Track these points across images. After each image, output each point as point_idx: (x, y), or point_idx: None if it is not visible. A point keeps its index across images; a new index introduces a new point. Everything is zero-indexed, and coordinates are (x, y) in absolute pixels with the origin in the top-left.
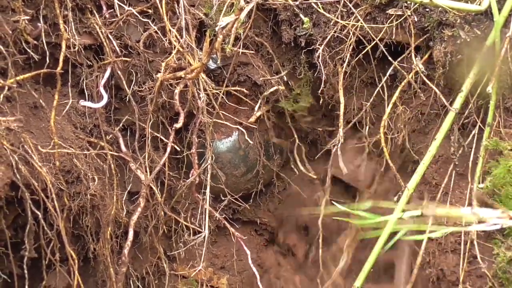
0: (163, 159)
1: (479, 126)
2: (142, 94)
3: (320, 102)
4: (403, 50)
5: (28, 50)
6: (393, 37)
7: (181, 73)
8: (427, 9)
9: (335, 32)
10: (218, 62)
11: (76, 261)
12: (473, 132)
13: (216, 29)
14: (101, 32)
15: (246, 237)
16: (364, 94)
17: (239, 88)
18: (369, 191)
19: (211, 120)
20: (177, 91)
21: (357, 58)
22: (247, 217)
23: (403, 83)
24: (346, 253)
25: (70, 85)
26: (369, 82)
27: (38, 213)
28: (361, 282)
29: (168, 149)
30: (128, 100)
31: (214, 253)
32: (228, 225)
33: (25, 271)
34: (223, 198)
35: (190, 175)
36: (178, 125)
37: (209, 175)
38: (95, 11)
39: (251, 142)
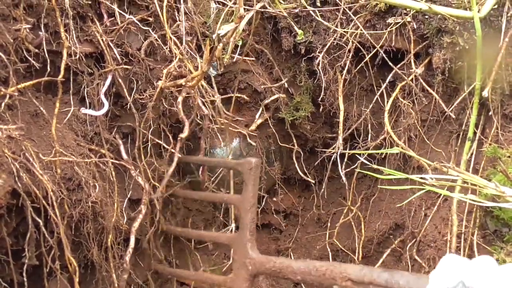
0: (171, 169)
1: (479, 133)
2: (143, 101)
3: (321, 109)
4: (403, 57)
5: (29, 59)
6: (393, 44)
7: (181, 81)
8: (426, 16)
9: (334, 39)
10: (219, 69)
11: (77, 269)
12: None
13: (214, 36)
14: (102, 40)
15: None
16: (364, 101)
17: (240, 95)
18: None
19: (219, 125)
20: (180, 99)
21: (357, 65)
22: None
23: (400, 85)
24: None
25: (71, 93)
26: (369, 89)
27: (39, 220)
28: None
29: (175, 159)
30: (129, 108)
31: (214, 261)
32: None
33: (25, 279)
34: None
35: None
36: (184, 134)
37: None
38: (96, 19)
39: (252, 146)
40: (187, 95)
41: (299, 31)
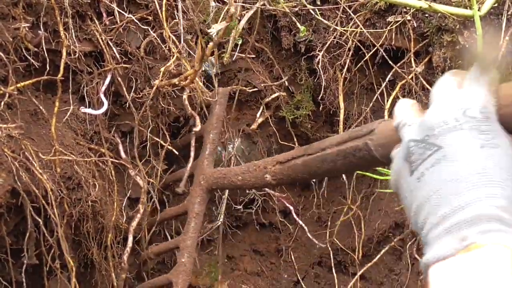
0: (189, 165)
1: None
2: (141, 100)
3: (321, 108)
4: (403, 55)
5: (29, 57)
6: (393, 42)
7: (175, 80)
8: (426, 15)
9: (334, 38)
10: (214, 68)
11: (75, 268)
12: None
13: (213, 36)
14: (101, 39)
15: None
16: (364, 100)
17: (243, 88)
18: None
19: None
20: (185, 96)
21: (357, 63)
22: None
23: (400, 84)
24: None
25: (70, 92)
26: (369, 88)
27: (39, 220)
28: None
29: (192, 154)
30: (128, 107)
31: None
32: None
33: (25, 278)
34: None
35: None
36: (197, 128)
37: None
38: (95, 18)
39: (254, 145)
40: (190, 93)
41: (302, 28)
